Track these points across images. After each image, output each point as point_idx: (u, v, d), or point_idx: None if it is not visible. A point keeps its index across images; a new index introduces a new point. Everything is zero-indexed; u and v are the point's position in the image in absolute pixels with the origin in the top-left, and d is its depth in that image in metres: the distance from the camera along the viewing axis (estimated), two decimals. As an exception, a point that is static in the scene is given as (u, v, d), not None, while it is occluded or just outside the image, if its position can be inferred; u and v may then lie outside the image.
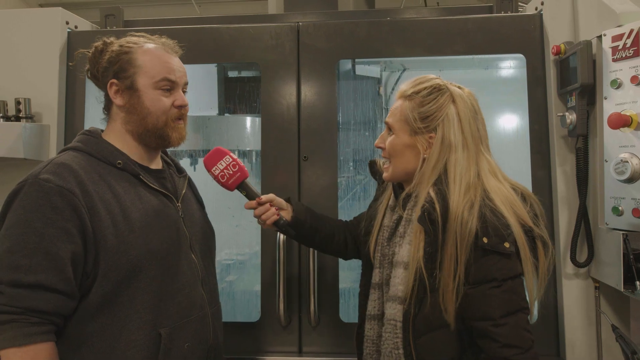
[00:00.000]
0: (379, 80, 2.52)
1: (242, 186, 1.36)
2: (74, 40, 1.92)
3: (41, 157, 1.79)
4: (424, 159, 1.21)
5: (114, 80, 1.27)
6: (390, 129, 1.27)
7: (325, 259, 1.76)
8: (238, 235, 2.47)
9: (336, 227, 1.50)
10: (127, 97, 1.27)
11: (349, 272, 1.99)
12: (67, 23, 1.92)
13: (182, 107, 1.30)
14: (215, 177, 1.34)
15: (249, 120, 2.34)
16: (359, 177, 2.40)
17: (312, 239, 1.47)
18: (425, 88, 1.23)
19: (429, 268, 1.14)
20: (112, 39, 1.32)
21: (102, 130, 1.34)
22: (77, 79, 1.91)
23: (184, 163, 2.26)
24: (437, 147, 1.20)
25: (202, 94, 2.48)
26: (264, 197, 1.38)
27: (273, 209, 1.37)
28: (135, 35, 1.33)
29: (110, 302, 1.15)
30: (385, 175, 1.30)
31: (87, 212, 1.14)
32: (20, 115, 1.76)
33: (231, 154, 1.35)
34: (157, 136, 1.28)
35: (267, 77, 1.85)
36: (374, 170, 1.46)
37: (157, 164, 1.36)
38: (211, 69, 2.44)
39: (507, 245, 1.10)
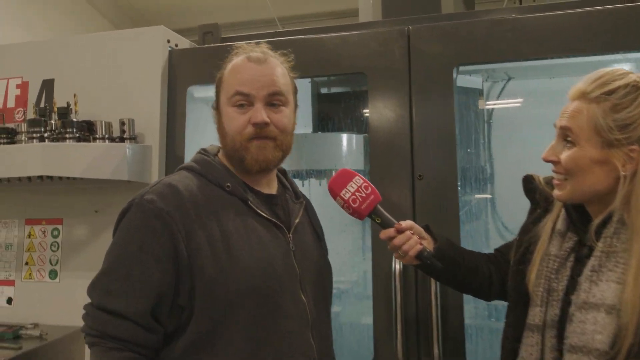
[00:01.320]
0: (480, 92, 2.29)
1: (376, 211, 1.18)
2: (174, 58, 1.88)
3: (143, 178, 1.75)
4: (624, 177, 0.97)
5: (215, 101, 1.20)
6: (566, 138, 1.04)
7: (446, 291, 1.54)
8: (339, 259, 2.32)
9: (479, 259, 1.29)
10: (216, 118, 1.18)
11: (475, 304, 1.75)
12: (168, 41, 1.89)
13: (259, 125, 1.10)
14: (346, 203, 1.17)
15: (345, 137, 2.20)
16: (466, 198, 2.17)
17: (453, 274, 1.26)
18: (620, 87, 0.99)
19: None
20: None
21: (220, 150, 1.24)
22: (178, 98, 1.87)
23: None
24: None
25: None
26: (403, 224, 1.18)
27: (415, 238, 1.18)
28: (238, 48, 1.21)
29: (205, 343, 1.03)
30: (559, 194, 1.07)
31: (184, 238, 1.03)
32: (125, 137, 1.73)
33: (360, 175, 1.19)
34: (236, 159, 1.15)
35: (375, 87, 1.69)
36: (531, 187, 1.22)
37: (271, 187, 1.23)
38: (305, 85, 2.33)
39: None
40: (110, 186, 1.77)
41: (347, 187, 1.17)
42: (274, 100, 1.12)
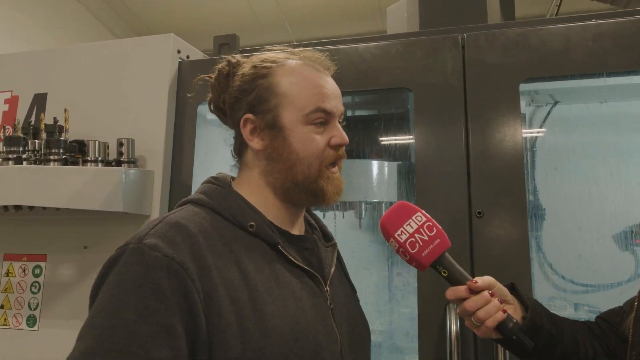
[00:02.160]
0: (523, 117, 2.03)
1: (442, 261, 0.89)
2: (185, 71, 1.62)
3: (142, 210, 1.46)
4: None
5: (250, 116, 0.91)
6: None
7: (514, 361, 1.21)
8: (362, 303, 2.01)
9: (580, 333, 0.96)
10: (269, 139, 0.90)
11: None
12: (179, 52, 1.64)
13: (342, 146, 0.92)
14: (401, 246, 0.88)
15: (375, 165, 1.92)
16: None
17: (549, 354, 0.94)
18: None
19: None
20: (238, 57, 0.96)
21: (233, 179, 0.96)
22: (187, 118, 1.60)
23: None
24: None
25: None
26: (479, 281, 0.88)
27: (496, 302, 0.87)
28: (273, 50, 0.96)
29: None
30: None
31: (202, 301, 0.75)
32: (122, 160, 1.45)
33: (423, 211, 0.90)
34: (309, 192, 0.90)
35: (422, 105, 1.40)
36: None
37: (299, 228, 0.96)
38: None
39: None
40: (103, 217, 1.48)
41: (405, 226, 0.88)
42: (341, 119, 0.95)
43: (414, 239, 0.87)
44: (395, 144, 1.98)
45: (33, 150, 1.38)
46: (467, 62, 1.38)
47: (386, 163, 1.91)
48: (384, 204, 1.95)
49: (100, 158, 1.41)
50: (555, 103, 2.01)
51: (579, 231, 1.86)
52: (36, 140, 1.40)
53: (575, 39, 1.30)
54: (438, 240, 0.88)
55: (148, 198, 1.49)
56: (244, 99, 0.91)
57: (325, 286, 0.91)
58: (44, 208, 1.42)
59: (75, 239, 1.53)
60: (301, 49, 0.96)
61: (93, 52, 1.68)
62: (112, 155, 1.49)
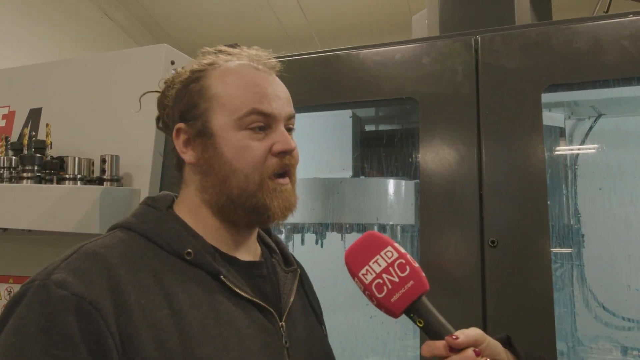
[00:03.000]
0: (562, 131, 1.83)
1: (417, 308, 0.72)
2: (177, 83, 1.53)
3: (124, 232, 1.36)
4: None
5: (181, 125, 0.80)
6: None
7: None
8: (360, 338, 1.85)
9: None
10: (200, 149, 0.78)
11: None
12: (173, 63, 1.55)
13: (287, 154, 0.79)
14: (367, 288, 0.72)
15: (392, 183, 1.76)
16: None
17: None
18: None
19: None
20: (191, 66, 0.85)
21: (176, 197, 0.85)
22: (180, 132, 1.51)
23: (310, 242, 1.73)
24: None
25: (333, 150, 2.00)
26: (462, 336, 0.70)
27: None
28: (212, 53, 0.84)
29: None
30: None
31: (119, 346, 0.64)
32: (104, 177, 1.36)
33: (396, 244, 0.74)
34: (248, 209, 0.77)
35: (429, 117, 1.24)
36: None
37: (251, 252, 0.84)
38: (344, 120, 1.95)
39: None
40: (83, 239, 1.39)
41: (371, 263, 0.72)
42: (289, 124, 0.83)
43: (381, 280, 0.71)
44: (412, 161, 1.83)
45: (9, 168, 1.31)
46: (480, 68, 1.21)
47: (404, 181, 1.76)
48: (399, 228, 1.79)
49: (79, 175, 1.33)
50: (599, 116, 1.83)
51: (628, 259, 1.65)
52: (13, 157, 1.33)
53: (607, 39, 1.11)
54: (412, 282, 0.71)
55: (132, 219, 1.39)
56: (176, 107, 0.81)
57: (281, 321, 0.78)
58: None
59: (52, 259, 1.45)
60: (243, 47, 0.84)
61: (87, 65, 1.62)
62: (97, 173, 1.40)
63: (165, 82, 0.85)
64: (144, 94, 0.92)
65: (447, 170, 1.20)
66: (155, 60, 1.52)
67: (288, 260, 0.89)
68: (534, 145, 1.14)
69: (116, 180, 1.38)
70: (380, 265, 0.72)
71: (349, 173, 1.98)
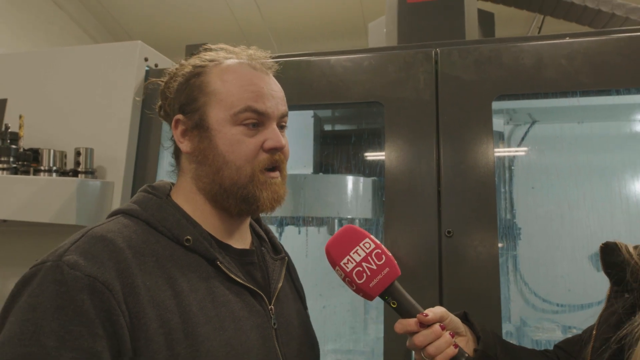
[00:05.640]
0: (501, 135, 2.01)
1: (391, 291, 0.82)
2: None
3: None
4: None
5: (180, 117, 0.86)
6: None
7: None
8: (327, 324, 1.95)
9: None
10: (197, 140, 0.84)
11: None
12: (146, 60, 1.58)
13: (277, 151, 0.85)
14: (347, 276, 0.82)
15: (350, 180, 1.87)
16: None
17: None
18: None
19: None
20: (193, 60, 0.90)
21: (173, 185, 0.90)
22: (153, 127, 1.54)
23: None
24: None
25: (296, 147, 2.09)
26: (430, 314, 0.82)
27: (447, 336, 0.81)
28: (213, 49, 0.90)
29: None
30: None
31: (128, 324, 0.69)
32: (79, 170, 1.38)
33: (372, 236, 0.84)
34: (239, 198, 0.83)
35: (394, 120, 1.36)
36: (616, 261, 0.87)
37: (243, 241, 0.90)
38: (307, 121, 2.04)
39: None
40: (57, 230, 1.40)
41: (352, 253, 0.82)
42: (282, 122, 0.88)
43: (361, 268, 0.81)
44: (371, 160, 1.95)
45: (-18, 158, 1.30)
46: (440, 78, 1.35)
47: (362, 178, 1.87)
48: (357, 221, 1.91)
49: (55, 168, 1.34)
50: (533, 122, 2.01)
51: (555, 251, 1.84)
52: (-14, 148, 1.32)
53: (548, 57, 1.28)
54: (387, 269, 0.82)
55: (106, 211, 1.42)
56: (177, 99, 0.86)
57: (270, 304, 0.86)
58: (-6, 219, 1.34)
59: (27, 251, 1.45)
60: (242, 47, 0.90)
61: (56, 57, 1.62)
62: (70, 165, 1.42)
63: (168, 74, 0.90)
64: (148, 82, 0.96)
65: (409, 168, 1.33)
66: (129, 56, 1.55)
67: (277, 249, 0.97)
68: (484, 148, 1.30)
69: (90, 172, 1.40)
70: (359, 255, 0.82)
71: (309, 170, 2.07)
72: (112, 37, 4.87)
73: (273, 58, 0.94)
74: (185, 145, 0.85)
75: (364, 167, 1.96)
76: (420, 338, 0.80)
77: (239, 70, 0.85)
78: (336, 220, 1.93)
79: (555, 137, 1.91)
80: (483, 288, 1.23)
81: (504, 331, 1.22)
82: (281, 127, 0.88)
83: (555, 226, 1.78)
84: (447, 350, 0.79)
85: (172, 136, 0.88)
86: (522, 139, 2.04)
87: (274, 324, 0.85)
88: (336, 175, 1.94)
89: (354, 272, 0.81)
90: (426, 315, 0.81)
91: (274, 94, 0.86)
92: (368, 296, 0.82)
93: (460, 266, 1.24)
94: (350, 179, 1.85)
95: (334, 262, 0.83)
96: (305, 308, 1.01)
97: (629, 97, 1.30)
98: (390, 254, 0.84)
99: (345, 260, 0.82)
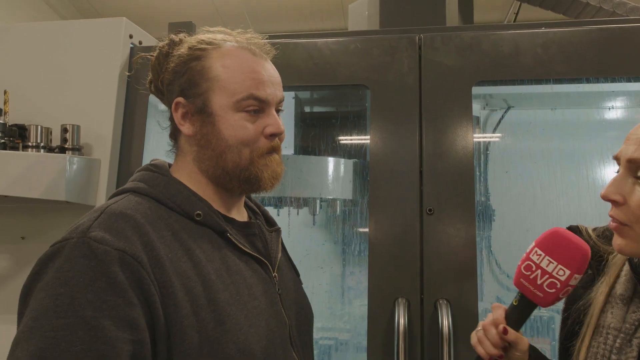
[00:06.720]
0: (477, 120, 2.08)
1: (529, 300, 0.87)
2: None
3: (87, 200, 1.40)
4: None
5: (181, 100, 0.87)
6: (637, 174, 0.78)
7: (459, 352, 1.24)
8: (318, 301, 2.01)
9: None
10: (199, 125, 0.86)
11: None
12: (131, 37, 1.58)
13: (277, 136, 0.89)
14: (536, 287, 0.85)
15: (332, 161, 1.92)
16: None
17: None
18: None
19: None
20: (182, 35, 0.91)
21: (170, 165, 0.93)
22: (139, 104, 1.55)
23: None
24: None
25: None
26: (512, 334, 0.87)
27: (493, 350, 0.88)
28: (211, 31, 0.92)
29: None
30: (622, 244, 0.81)
31: (158, 292, 0.73)
32: (66, 146, 1.38)
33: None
34: (241, 180, 0.87)
35: (379, 103, 1.41)
36: None
37: (241, 214, 0.95)
38: (288, 102, 2.06)
39: None
40: (42, 207, 1.41)
41: (556, 264, 0.83)
42: (279, 107, 0.91)
43: (552, 281, 0.83)
44: (352, 143, 1.99)
45: (-32, 133, 1.29)
46: (423, 63, 1.41)
47: (343, 160, 1.92)
48: (338, 202, 1.96)
49: (42, 144, 1.34)
50: (509, 108, 2.08)
51: (526, 232, 1.93)
52: (-29, 123, 1.31)
53: (525, 45, 1.35)
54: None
55: (93, 188, 1.43)
56: (176, 82, 0.87)
57: (274, 272, 0.91)
58: (-21, 195, 1.33)
59: (12, 228, 1.45)
60: (240, 30, 0.92)
61: (38, 32, 1.59)
62: (56, 142, 1.42)
63: (160, 49, 0.90)
64: (137, 57, 0.98)
65: (393, 149, 1.39)
66: (114, 33, 1.54)
67: (270, 221, 1.01)
68: (464, 130, 1.36)
69: (77, 149, 1.40)
70: (554, 264, 0.83)
71: (290, 151, 2.10)
72: (80, 14, 4.72)
73: (265, 40, 0.97)
74: (186, 128, 0.87)
75: (345, 149, 2.00)
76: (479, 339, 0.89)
77: (240, 56, 0.87)
78: (318, 201, 1.98)
79: (529, 123, 1.98)
80: (461, 264, 1.31)
81: (479, 309, 1.30)
82: (277, 112, 0.91)
83: (526, 209, 1.87)
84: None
85: (170, 117, 0.90)
86: (498, 124, 2.11)
87: (278, 289, 0.90)
88: (318, 157, 1.98)
89: (546, 284, 0.84)
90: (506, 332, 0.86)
91: (273, 80, 0.89)
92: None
93: (441, 241, 1.31)
94: (331, 160, 1.90)
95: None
96: (298, 275, 1.06)
97: (598, 86, 1.39)
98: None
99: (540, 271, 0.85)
